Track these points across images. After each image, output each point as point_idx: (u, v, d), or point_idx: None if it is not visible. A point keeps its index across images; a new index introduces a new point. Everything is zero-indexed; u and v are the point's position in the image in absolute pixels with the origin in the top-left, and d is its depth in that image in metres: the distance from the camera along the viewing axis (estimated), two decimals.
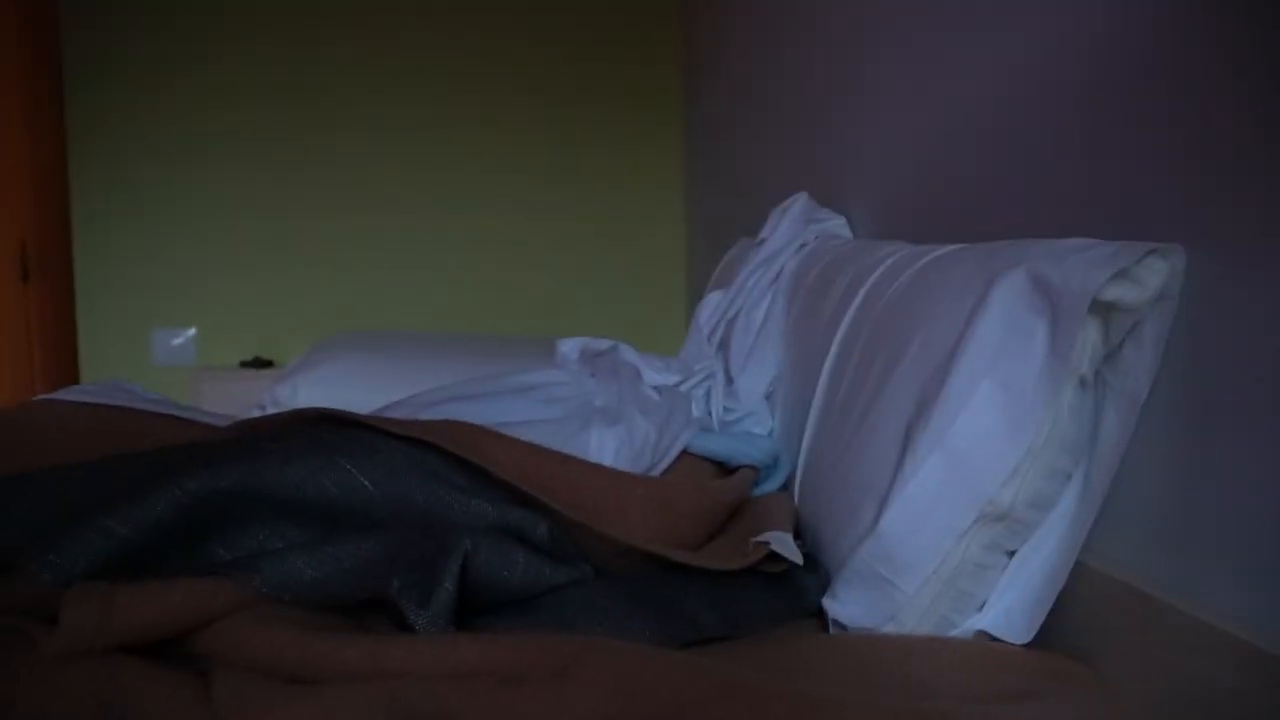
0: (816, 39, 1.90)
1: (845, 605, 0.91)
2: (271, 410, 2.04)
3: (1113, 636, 0.81)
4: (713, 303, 1.78)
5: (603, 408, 1.24)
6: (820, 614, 0.95)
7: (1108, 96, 0.90)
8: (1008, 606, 0.86)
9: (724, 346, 1.70)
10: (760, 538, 0.96)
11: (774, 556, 0.96)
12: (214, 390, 2.89)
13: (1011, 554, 0.87)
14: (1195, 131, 0.77)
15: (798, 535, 1.06)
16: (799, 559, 0.96)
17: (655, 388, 1.39)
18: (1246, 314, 0.71)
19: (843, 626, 0.91)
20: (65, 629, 0.70)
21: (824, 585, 0.96)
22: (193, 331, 3.13)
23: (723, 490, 1.10)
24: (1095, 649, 0.82)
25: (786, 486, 1.26)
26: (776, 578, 0.97)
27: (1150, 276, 0.77)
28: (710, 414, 1.47)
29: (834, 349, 1.20)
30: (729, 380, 1.55)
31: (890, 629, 0.88)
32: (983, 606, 0.88)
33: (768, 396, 1.51)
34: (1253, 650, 0.66)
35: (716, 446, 1.22)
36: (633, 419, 1.18)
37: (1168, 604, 0.75)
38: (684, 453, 1.21)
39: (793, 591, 0.97)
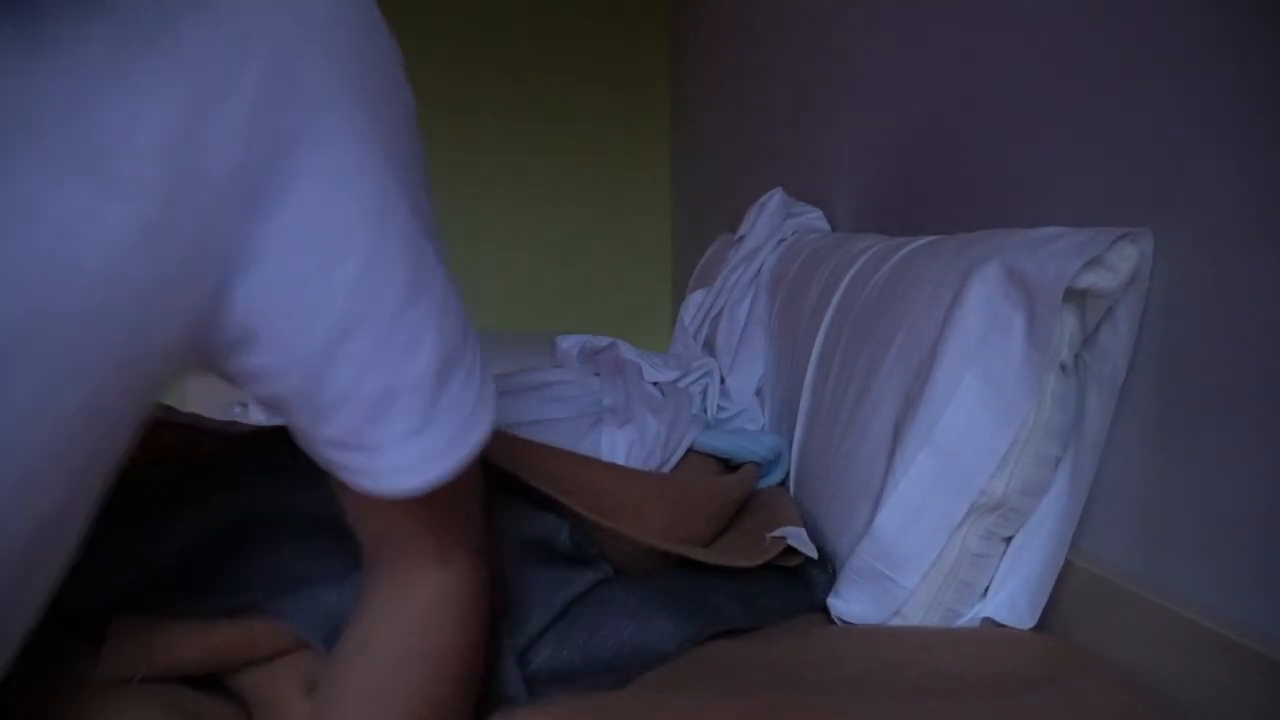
0: (795, 35, 1.92)
1: (849, 603, 0.92)
2: (253, 405, 2.03)
3: (1090, 631, 0.82)
4: (695, 302, 1.79)
5: (611, 406, 1.25)
6: (826, 610, 0.96)
7: (1077, 83, 0.91)
8: (1011, 592, 0.87)
9: (709, 345, 1.71)
10: (776, 532, 0.99)
11: (786, 551, 0.99)
12: (196, 384, 2.86)
13: (1008, 539, 0.88)
14: (1163, 115, 0.78)
15: None
16: (814, 553, 0.99)
17: (656, 384, 1.41)
18: (1221, 302, 0.71)
19: (848, 625, 0.92)
20: (107, 664, 0.71)
21: (831, 581, 0.98)
22: None
23: (731, 486, 1.12)
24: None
25: (784, 482, 1.28)
26: (788, 572, 1.00)
27: (1121, 262, 0.78)
28: (705, 411, 1.49)
29: (817, 346, 1.22)
30: (721, 378, 1.57)
31: (895, 623, 0.89)
32: (985, 594, 0.89)
33: (757, 393, 1.54)
34: (1230, 644, 0.66)
35: (721, 443, 1.24)
36: (644, 418, 1.20)
37: (1145, 598, 0.75)
38: (689, 449, 1.23)
39: (803, 586, 0.99)
